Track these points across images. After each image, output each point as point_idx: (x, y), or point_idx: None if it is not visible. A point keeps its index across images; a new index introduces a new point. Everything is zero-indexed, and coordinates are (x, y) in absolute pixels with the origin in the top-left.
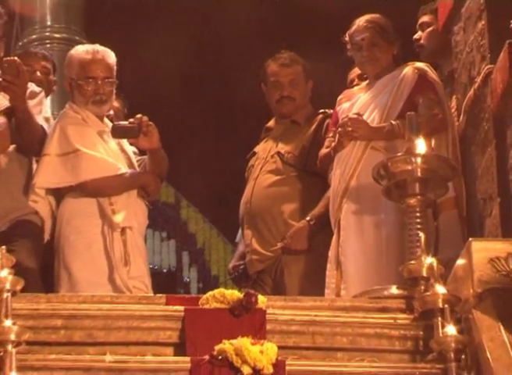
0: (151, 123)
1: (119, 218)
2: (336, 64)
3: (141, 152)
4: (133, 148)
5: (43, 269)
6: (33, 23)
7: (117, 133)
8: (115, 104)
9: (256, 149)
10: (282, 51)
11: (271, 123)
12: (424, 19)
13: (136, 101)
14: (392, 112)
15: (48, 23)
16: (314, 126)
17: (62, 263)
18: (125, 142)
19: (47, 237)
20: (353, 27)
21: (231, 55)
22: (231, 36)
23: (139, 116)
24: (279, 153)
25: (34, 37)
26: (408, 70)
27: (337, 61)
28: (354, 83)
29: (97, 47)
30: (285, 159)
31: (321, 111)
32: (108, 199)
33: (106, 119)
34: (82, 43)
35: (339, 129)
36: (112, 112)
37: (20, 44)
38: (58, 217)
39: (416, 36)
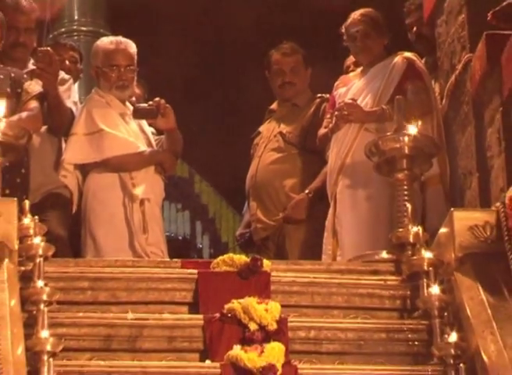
0: (167, 105)
1: (138, 191)
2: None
3: (159, 133)
4: (152, 129)
5: (71, 237)
6: (62, 17)
7: (137, 114)
8: (137, 90)
9: (260, 129)
10: (284, 42)
11: (274, 106)
12: (416, 16)
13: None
14: (383, 97)
15: (76, 17)
16: (312, 109)
17: (88, 232)
18: (144, 123)
19: (75, 208)
20: (349, 20)
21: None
22: (234, 43)
23: (157, 99)
24: (281, 133)
25: (63, 30)
26: (398, 59)
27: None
28: (350, 69)
29: (120, 38)
30: (286, 139)
31: (319, 95)
32: (128, 174)
33: (128, 103)
34: (106, 35)
35: (336, 112)
36: (134, 99)
37: (51, 36)
38: (85, 190)
39: (415, 29)
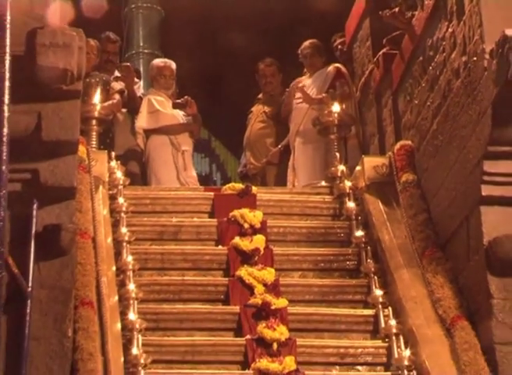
0: (192, 100)
1: (180, 145)
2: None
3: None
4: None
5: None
6: (132, 44)
7: (175, 106)
8: None
9: (252, 109)
10: (267, 58)
11: (260, 96)
12: (342, 40)
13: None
14: (322, 90)
15: (141, 44)
16: (283, 98)
17: (151, 171)
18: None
19: (144, 158)
20: (302, 46)
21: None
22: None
23: (186, 97)
24: (264, 112)
25: (133, 52)
26: (331, 67)
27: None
28: (304, 71)
29: (166, 59)
30: (267, 115)
31: (287, 89)
32: (174, 136)
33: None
34: (159, 56)
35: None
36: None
37: (126, 55)
38: (147, 146)
39: (340, 47)
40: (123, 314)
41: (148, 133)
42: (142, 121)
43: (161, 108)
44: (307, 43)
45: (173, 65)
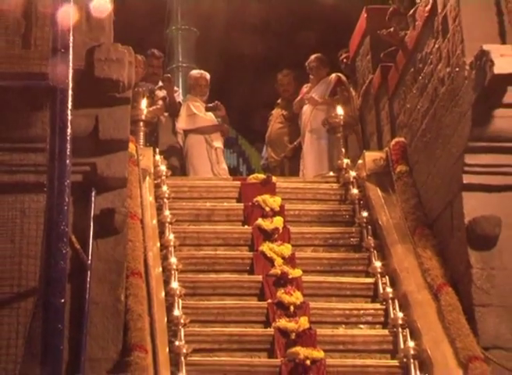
0: (221, 104)
1: (214, 143)
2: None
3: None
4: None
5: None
6: (172, 59)
7: (207, 109)
8: None
9: (272, 112)
10: (284, 70)
11: (279, 101)
12: (346, 54)
13: None
14: (325, 94)
15: (180, 59)
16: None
17: (189, 163)
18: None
19: (184, 153)
20: (309, 60)
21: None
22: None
23: (216, 101)
24: (282, 114)
25: (174, 66)
26: (333, 75)
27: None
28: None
29: (202, 71)
30: (285, 117)
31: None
32: (208, 135)
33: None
34: (195, 68)
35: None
36: None
37: (168, 69)
38: (186, 143)
39: (345, 61)
40: (166, 282)
41: (187, 132)
42: (182, 123)
43: (197, 111)
44: (312, 57)
45: (208, 75)
